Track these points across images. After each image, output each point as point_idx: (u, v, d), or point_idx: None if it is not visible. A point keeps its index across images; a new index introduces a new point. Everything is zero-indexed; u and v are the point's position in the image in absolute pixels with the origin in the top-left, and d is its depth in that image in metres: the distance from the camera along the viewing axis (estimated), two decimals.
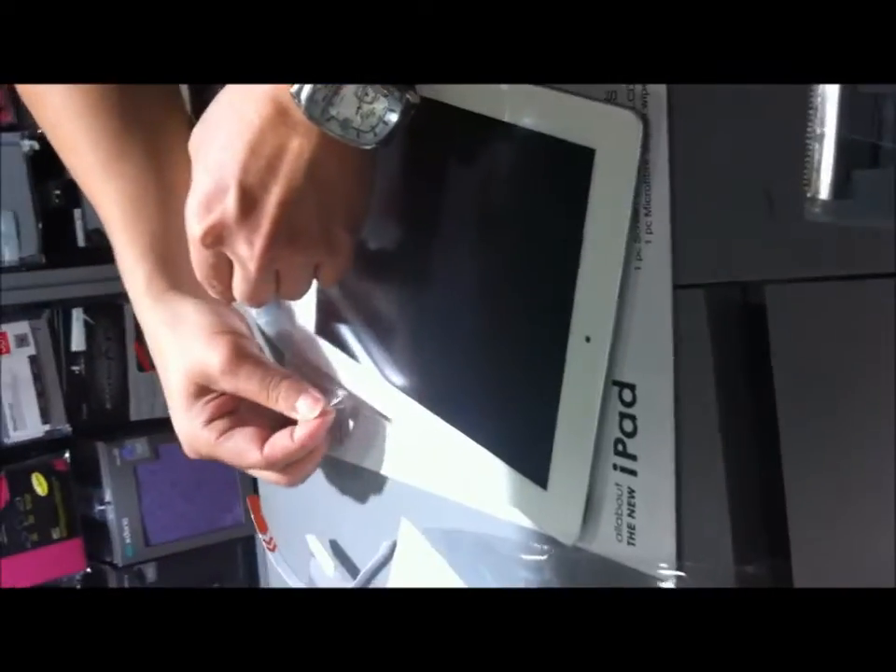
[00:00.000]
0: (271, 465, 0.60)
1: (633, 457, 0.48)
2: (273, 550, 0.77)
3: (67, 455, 1.59)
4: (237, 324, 0.62)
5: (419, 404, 0.59)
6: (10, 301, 1.52)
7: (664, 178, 0.45)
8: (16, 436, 1.54)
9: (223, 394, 0.61)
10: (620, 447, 0.49)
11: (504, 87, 0.49)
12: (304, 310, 0.67)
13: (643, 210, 0.46)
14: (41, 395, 1.56)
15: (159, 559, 1.64)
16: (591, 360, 0.48)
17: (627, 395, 0.48)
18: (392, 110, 0.49)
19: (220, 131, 0.51)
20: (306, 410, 0.59)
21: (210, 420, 0.61)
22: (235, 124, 0.50)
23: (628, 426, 0.48)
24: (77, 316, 1.58)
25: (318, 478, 0.69)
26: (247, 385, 0.60)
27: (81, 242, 1.58)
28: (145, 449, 1.63)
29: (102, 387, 1.64)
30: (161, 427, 1.63)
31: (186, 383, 0.60)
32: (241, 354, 0.60)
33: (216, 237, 0.52)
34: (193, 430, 0.61)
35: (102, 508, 1.61)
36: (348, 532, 0.71)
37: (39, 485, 1.55)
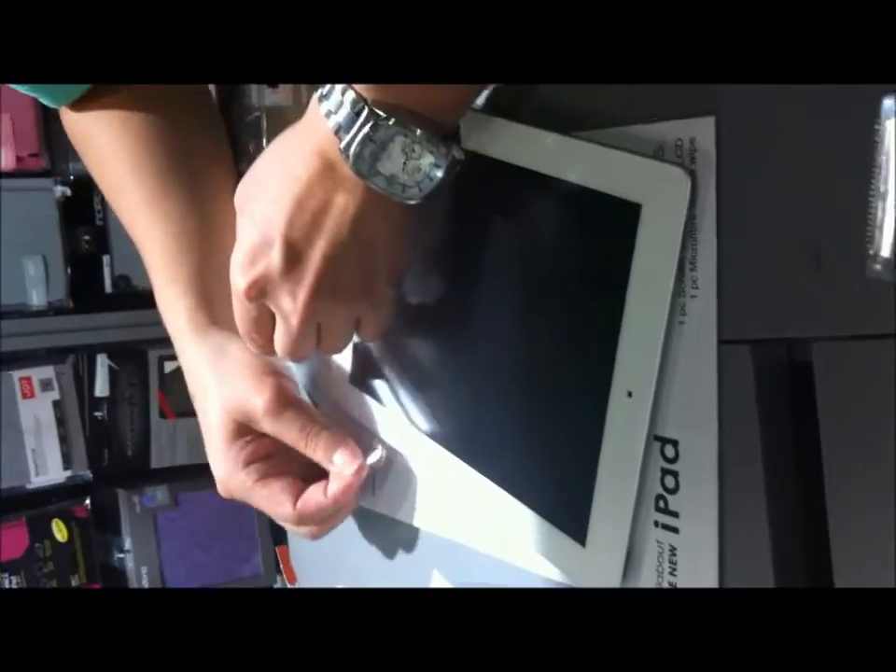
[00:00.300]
0: (303, 520, 0.60)
1: (675, 514, 0.48)
2: None
3: (88, 501, 1.58)
4: (281, 366, 0.62)
5: (456, 457, 0.59)
6: (36, 345, 1.53)
7: (710, 234, 0.45)
8: (38, 481, 1.54)
9: (262, 435, 0.61)
10: (661, 504, 0.48)
11: (549, 141, 0.50)
12: (340, 359, 0.67)
13: (689, 265, 0.46)
14: (63, 440, 1.56)
15: None
16: (632, 415, 0.48)
17: (670, 451, 0.47)
18: (437, 166, 0.49)
19: (268, 184, 0.52)
20: (343, 464, 0.59)
21: (248, 462, 0.61)
22: (283, 179, 0.51)
23: (670, 482, 0.48)
24: (102, 362, 1.59)
25: (348, 529, 0.68)
26: (288, 432, 0.59)
27: (108, 288, 1.59)
28: (165, 497, 1.62)
29: (124, 434, 1.64)
30: (181, 475, 1.63)
31: (226, 419, 0.60)
32: (285, 399, 0.60)
33: (260, 290, 0.53)
34: (230, 471, 0.61)
35: (121, 556, 1.60)
36: (378, 585, 0.70)
37: (59, 531, 1.55)
